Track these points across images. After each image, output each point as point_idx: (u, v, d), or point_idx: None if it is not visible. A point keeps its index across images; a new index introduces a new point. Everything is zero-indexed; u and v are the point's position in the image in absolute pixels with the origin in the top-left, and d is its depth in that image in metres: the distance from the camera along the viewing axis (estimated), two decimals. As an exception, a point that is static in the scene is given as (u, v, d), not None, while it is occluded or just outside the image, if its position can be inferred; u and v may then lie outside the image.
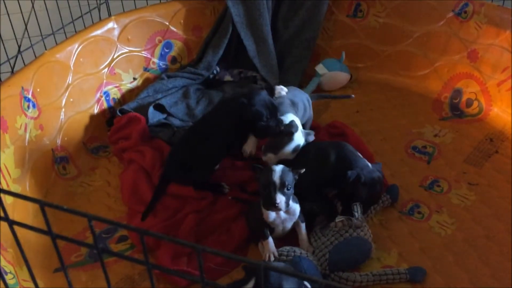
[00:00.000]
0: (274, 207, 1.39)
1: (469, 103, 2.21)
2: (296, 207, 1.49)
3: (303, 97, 1.90)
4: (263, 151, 1.68)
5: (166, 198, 1.77)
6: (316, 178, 1.59)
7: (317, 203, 1.62)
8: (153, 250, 1.59)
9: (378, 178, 1.56)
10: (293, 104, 1.80)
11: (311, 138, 1.70)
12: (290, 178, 1.41)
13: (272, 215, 1.48)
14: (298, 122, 1.70)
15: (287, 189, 1.40)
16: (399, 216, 1.71)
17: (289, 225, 1.53)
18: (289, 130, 1.63)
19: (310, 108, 1.93)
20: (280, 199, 1.38)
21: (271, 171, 1.41)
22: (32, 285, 0.86)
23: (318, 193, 1.64)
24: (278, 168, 1.42)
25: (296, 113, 1.76)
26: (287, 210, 1.46)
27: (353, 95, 2.23)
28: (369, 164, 1.60)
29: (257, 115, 1.65)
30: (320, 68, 2.35)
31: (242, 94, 1.80)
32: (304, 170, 1.46)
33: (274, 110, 1.69)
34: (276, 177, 1.39)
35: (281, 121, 1.67)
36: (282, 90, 1.83)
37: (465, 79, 2.23)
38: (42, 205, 0.64)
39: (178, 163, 1.78)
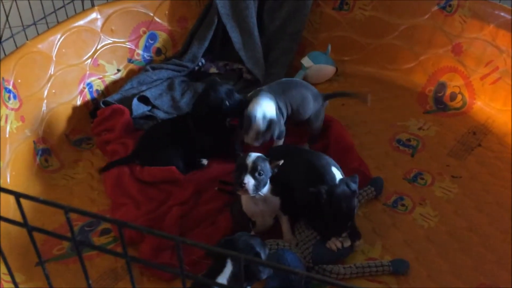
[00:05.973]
0: (241, 187, 1.39)
1: (453, 97, 2.22)
2: (275, 200, 1.50)
3: (303, 92, 1.85)
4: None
5: (150, 189, 1.77)
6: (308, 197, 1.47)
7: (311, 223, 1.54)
8: (137, 243, 1.58)
9: (343, 194, 1.41)
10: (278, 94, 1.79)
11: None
12: (264, 165, 1.42)
13: (250, 205, 1.48)
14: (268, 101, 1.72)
15: (259, 174, 1.40)
16: (383, 208, 1.72)
17: (269, 218, 1.54)
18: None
19: (316, 103, 1.88)
20: (248, 180, 1.39)
21: (246, 156, 1.43)
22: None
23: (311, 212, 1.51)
24: (254, 154, 1.44)
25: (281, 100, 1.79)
26: (265, 199, 1.47)
27: (368, 101, 2.00)
28: (337, 178, 1.47)
29: (220, 100, 1.78)
30: (306, 61, 2.34)
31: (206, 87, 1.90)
32: (282, 162, 1.45)
33: (231, 92, 1.81)
34: (249, 160, 1.41)
35: (243, 98, 1.78)
36: None
37: (449, 73, 2.24)
38: (17, 196, 0.63)
39: (147, 143, 1.86)
